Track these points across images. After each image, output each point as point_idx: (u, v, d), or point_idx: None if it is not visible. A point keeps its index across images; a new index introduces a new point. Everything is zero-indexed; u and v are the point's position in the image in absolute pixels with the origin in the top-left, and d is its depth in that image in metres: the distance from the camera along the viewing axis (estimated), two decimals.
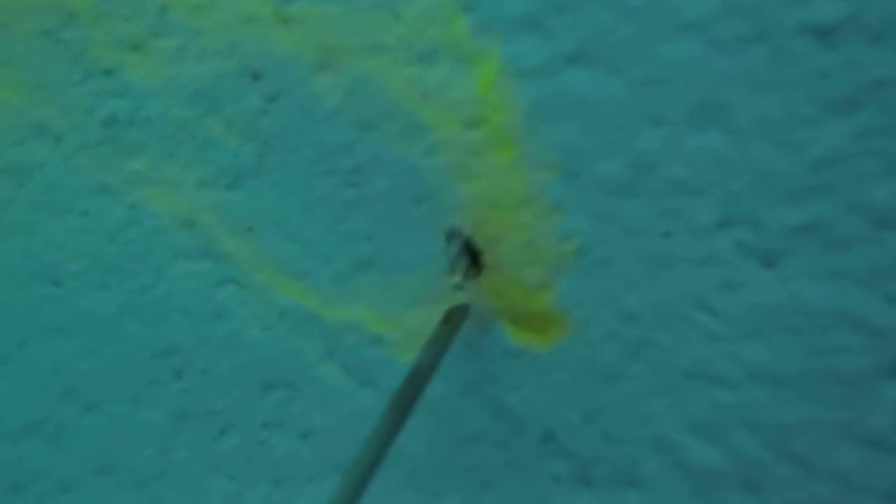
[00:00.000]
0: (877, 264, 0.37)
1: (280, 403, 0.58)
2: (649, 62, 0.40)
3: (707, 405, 0.43)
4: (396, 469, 0.54)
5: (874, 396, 0.38)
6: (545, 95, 0.43)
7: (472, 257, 0.48)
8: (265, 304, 0.57)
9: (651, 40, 0.40)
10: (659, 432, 0.45)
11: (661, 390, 0.44)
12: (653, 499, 0.46)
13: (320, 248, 0.54)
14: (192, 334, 0.61)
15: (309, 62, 0.50)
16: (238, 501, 0.62)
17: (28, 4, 0.61)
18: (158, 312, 0.62)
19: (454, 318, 0.47)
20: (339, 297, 0.54)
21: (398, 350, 0.52)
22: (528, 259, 0.46)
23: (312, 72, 0.51)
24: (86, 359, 0.66)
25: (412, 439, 0.52)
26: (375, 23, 0.48)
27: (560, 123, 0.43)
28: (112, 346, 0.65)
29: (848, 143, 0.36)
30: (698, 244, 0.41)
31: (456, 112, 0.46)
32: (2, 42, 0.63)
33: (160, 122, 0.58)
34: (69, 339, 0.67)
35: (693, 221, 0.41)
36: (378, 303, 0.52)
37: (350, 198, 0.51)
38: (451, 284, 0.49)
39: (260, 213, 0.55)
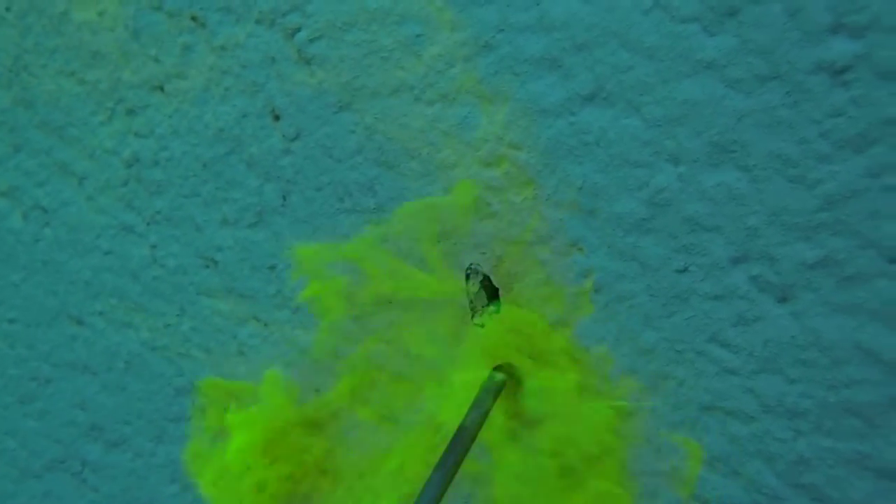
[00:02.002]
0: (890, 299, 0.38)
1: (302, 439, 0.60)
2: (666, 101, 0.42)
3: (723, 438, 0.44)
4: None
5: (888, 429, 0.39)
6: (563, 134, 0.46)
7: (492, 294, 0.50)
8: (287, 341, 0.59)
9: (668, 79, 0.42)
10: (676, 465, 0.46)
11: (679, 424, 0.46)
12: None
13: (341, 287, 0.56)
14: (214, 372, 0.63)
15: (330, 102, 0.53)
16: None
17: (54, 44, 0.64)
18: (182, 350, 0.64)
19: (498, 378, 0.49)
20: (360, 334, 0.56)
21: (419, 386, 0.54)
22: (546, 296, 0.48)
23: (334, 111, 0.53)
24: (111, 396, 0.69)
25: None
26: (396, 62, 0.50)
27: (578, 161, 0.45)
28: (137, 383, 0.67)
29: (861, 180, 0.38)
30: (714, 280, 0.43)
31: (476, 150, 0.49)
32: (27, 82, 0.66)
33: (183, 161, 0.61)
34: (94, 376, 0.69)
35: (709, 257, 0.43)
36: (399, 339, 0.54)
37: (372, 236, 0.54)
38: (472, 322, 0.51)
39: (282, 252, 0.58)
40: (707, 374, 0.44)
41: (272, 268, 0.59)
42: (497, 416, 0.51)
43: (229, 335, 0.62)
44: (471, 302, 0.51)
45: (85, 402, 0.70)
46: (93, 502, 0.72)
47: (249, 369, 0.62)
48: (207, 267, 0.62)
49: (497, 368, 0.50)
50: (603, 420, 0.48)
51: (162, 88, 0.60)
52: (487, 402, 0.48)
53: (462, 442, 0.45)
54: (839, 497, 0.42)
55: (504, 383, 0.49)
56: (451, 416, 0.50)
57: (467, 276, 0.50)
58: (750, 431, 0.44)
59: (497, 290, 0.50)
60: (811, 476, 0.42)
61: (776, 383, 0.42)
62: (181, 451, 0.67)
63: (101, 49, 0.62)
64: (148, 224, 0.64)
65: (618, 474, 0.48)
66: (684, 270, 0.44)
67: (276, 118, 0.56)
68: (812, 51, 0.38)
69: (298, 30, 0.53)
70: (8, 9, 0.64)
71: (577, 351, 0.48)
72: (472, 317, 0.51)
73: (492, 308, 0.50)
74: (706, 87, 0.41)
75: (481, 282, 0.50)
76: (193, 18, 0.58)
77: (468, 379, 0.51)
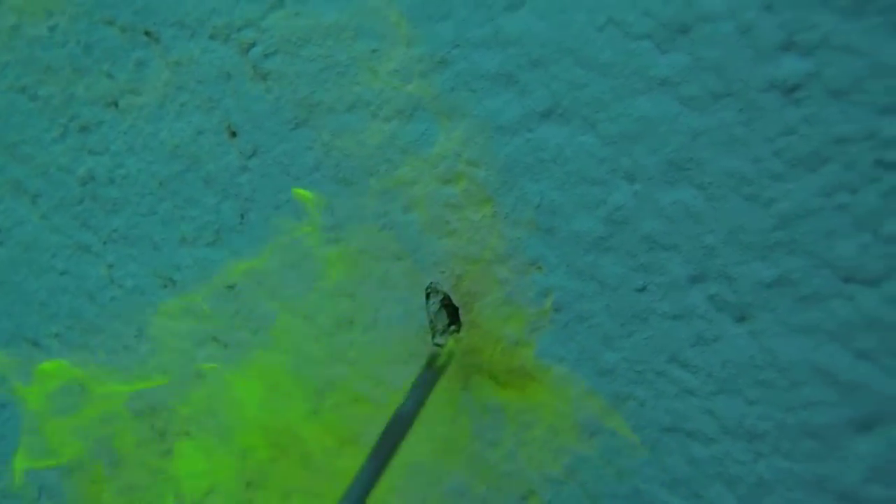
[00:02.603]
0: (846, 319, 0.39)
1: (264, 463, 0.60)
2: (621, 118, 0.43)
3: (684, 460, 0.45)
4: None
5: (846, 451, 0.40)
6: (520, 151, 0.46)
7: (452, 314, 0.50)
8: (247, 363, 0.59)
9: (623, 96, 0.42)
10: (638, 487, 0.46)
11: (639, 445, 0.46)
12: None
13: (302, 306, 0.56)
14: (174, 395, 0.63)
15: (287, 118, 0.53)
16: None
17: (4, 60, 0.63)
18: (141, 373, 0.64)
19: (439, 362, 0.49)
20: (322, 355, 0.56)
21: (380, 406, 0.54)
22: (506, 315, 0.48)
23: (291, 127, 0.53)
24: (67, 418, 0.68)
25: (394, 497, 0.54)
26: (352, 78, 0.50)
27: (536, 179, 0.46)
28: (93, 405, 0.67)
29: (815, 199, 0.38)
30: (672, 299, 0.43)
31: (433, 167, 0.49)
32: None
33: (140, 179, 0.60)
34: (50, 399, 0.69)
35: (667, 276, 0.43)
36: (360, 360, 0.54)
37: (331, 255, 0.54)
38: (432, 342, 0.51)
39: (241, 271, 0.58)
40: (667, 395, 0.44)
41: (231, 287, 0.58)
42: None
43: (188, 357, 0.62)
44: (431, 322, 0.51)
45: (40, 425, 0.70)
46: None
47: (209, 392, 0.61)
48: (165, 287, 0.62)
49: (436, 354, 0.50)
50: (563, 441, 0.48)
51: (116, 104, 0.60)
52: (425, 390, 0.48)
53: (397, 430, 0.45)
54: None
55: (443, 369, 0.49)
56: None
57: (427, 296, 0.51)
58: (710, 454, 0.44)
59: (457, 309, 0.50)
60: (771, 499, 0.43)
61: (735, 405, 0.43)
62: (141, 477, 0.66)
63: (52, 64, 0.62)
64: (104, 243, 0.64)
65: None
66: (643, 289, 0.44)
67: (233, 135, 0.56)
68: (764, 68, 0.39)
69: (253, 45, 0.53)
70: None
71: (538, 371, 0.48)
72: (433, 337, 0.51)
73: (452, 328, 0.50)
74: (661, 104, 0.41)
75: (441, 301, 0.50)
76: (147, 33, 0.57)
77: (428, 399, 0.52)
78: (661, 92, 0.41)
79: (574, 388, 0.47)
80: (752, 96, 0.39)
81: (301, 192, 0.54)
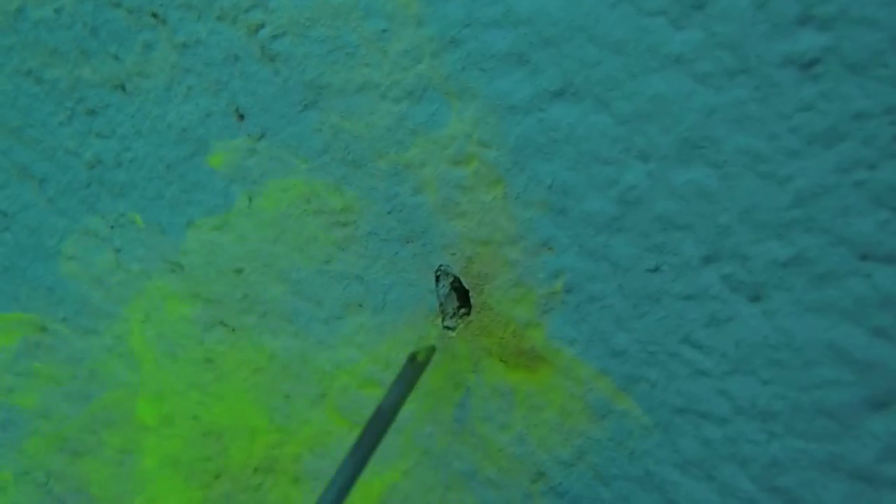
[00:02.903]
0: (861, 297, 0.38)
1: (272, 447, 0.60)
2: (635, 96, 0.42)
3: (696, 441, 0.45)
4: None
5: (860, 430, 0.40)
6: (532, 131, 0.45)
7: (462, 296, 0.50)
8: (255, 347, 0.59)
9: (636, 74, 0.42)
10: (650, 469, 0.46)
11: (652, 427, 0.46)
12: None
13: (310, 290, 0.56)
14: (181, 379, 0.63)
15: (295, 100, 0.53)
16: None
17: (9, 42, 0.63)
18: (148, 357, 0.64)
19: (419, 358, 0.49)
20: (331, 339, 0.56)
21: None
22: (517, 297, 0.48)
23: (299, 110, 0.53)
24: (75, 405, 0.68)
25: (403, 480, 0.54)
26: (361, 59, 0.50)
27: (547, 159, 0.45)
28: (102, 391, 0.67)
29: (831, 176, 0.38)
30: (685, 279, 0.43)
31: (444, 149, 0.48)
32: None
33: (147, 163, 0.60)
34: (59, 384, 0.69)
35: (680, 256, 0.43)
36: (369, 344, 0.54)
37: (340, 238, 0.53)
38: (442, 325, 0.51)
39: (249, 255, 0.58)
40: (679, 376, 0.44)
41: (239, 271, 0.58)
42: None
43: (196, 341, 0.62)
44: (441, 304, 0.50)
45: (49, 410, 0.70)
46: None
47: (217, 375, 0.61)
48: (173, 271, 0.61)
49: (416, 351, 0.50)
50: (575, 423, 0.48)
51: (123, 87, 0.60)
52: (406, 386, 0.48)
53: (378, 425, 0.45)
54: (813, 500, 0.42)
55: (424, 365, 0.49)
56: None
57: (437, 278, 0.50)
58: (723, 434, 0.44)
59: (467, 291, 0.50)
60: (785, 479, 0.42)
61: (749, 385, 0.42)
62: (149, 461, 0.66)
63: (58, 47, 0.62)
64: (112, 227, 0.63)
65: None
66: (656, 270, 0.44)
67: (241, 117, 0.56)
68: (780, 44, 0.38)
69: (262, 26, 0.53)
70: None
71: (549, 353, 0.48)
72: (443, 319, 0.50)
73: (462, 311, 0.50)
74: (675, 82, 0.41)
75: (451, 283, 0.50)
76: (154, 15, 0.57)
77: (438, 383, 0.52)
78: (676, 69, 0.41)
79: (585, 370, 0.47)
80: (768, 72, 0.39)
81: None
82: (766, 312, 0.41)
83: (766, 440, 0.42)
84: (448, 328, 0.50)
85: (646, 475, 0.46)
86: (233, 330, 0.60)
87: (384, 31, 0.49)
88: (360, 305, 0.54)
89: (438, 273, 0.50)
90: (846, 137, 0.37)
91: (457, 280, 0.50)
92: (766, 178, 0.40)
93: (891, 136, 0.36)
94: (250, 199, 0.56)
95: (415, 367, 0.48)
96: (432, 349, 0.50)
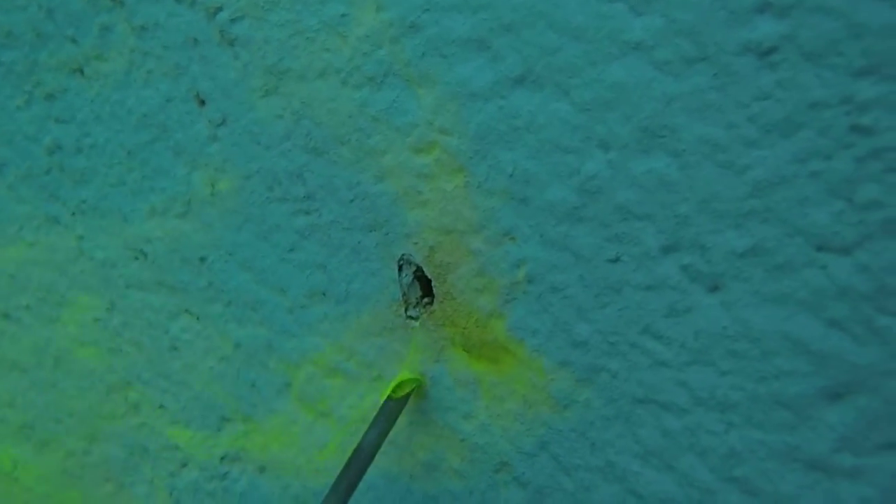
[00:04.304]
0: (818, 288, 0.39)
1: (238, 436, 0.61)
2: (595, 84, 0.43)
3: (657, 432, 0.45)
4: (355, 499, 0.56)
5: (816, 421, 0.40)
6: (493, 119, 0.46)
7: (425, 285, 0.50)
8: (220, 335, 0.59)
9: (596, 61, 0.42)
10: (611, 459, 0.47)
11: (613, 417, 0.47)
12: None
13: (275, 278, 0.56)
14: (148, 368, 0.63)
15: (256, 86, 0.53)
16: None
17: None
18: (113, 346, 0.64)
19: (402, 391, 0.50)
20: (295, 328, 0.56)
21: (354, 380, 0.55)
22: (480, 287, 0.48)
23: (260, 95, 0.53)
24: (42, 393, 0.69)
25: (370, 470, 0.55)
26: (322, 44, 0.50)
27: (509, 147, 0.46)
28: (68, 380, 0.67)
29: (788, 166, 0.38)
30: (645, 269, 0.43)
31: (406, 136, 0.49)
32: None
33: (107, 148, 0.60)
34: (24, 373, 0.69)
35: (640, 246, 0.43)
36: (333, 333, 0.55)
37: (303, 226, 0.54)
38: (405, 314, 0.51)
39: (213, 243, 0.58)
40: (640, 367, 0.45)
41: (203, 259, 0.59)
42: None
43: (161, 330, 0.62)
44: (404, 294, 0.51)
45: (15, 399, 0.70)
46: (26, 503, 0.72)
47: (183, 364, 0.62)
48: (137, 259, 0.62)
49: (395, 389, 0.50)
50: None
51: (81, 71, 0.60)
52: (386, 423, 0.48)
53: (358, 464, 0.46)
54: (770, 490, 0.43)
55: (405, 401, 0.50)
56: None
57: (400, 267, 0.51)
58: (683, 425, 0.44)
59: (430, 281, 0.50)
60: (743, 469, 0.43)
61: (708, 375, 0.43)
62: (115, 449, 0.67)
63: (13, 29, 0.61)
64: (73, 214, 0.63)
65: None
66: (616, 260, 0.44)
67: (202, 103, 0.55)
68: (738, 31, 0.38)
69: (220, 9, 0.53)
70: None
71: (511, 343, 0.48)
72: (406, 309, 0.51)
73: (426, 300, 0.50)
74: (634, 69, 0.41)
75: (414, 273, 0.50)
76: None
77: (402, 373, 0.52)
78: (635, 56, 0.41)
79: (547, 361, 0.48)
80: (727, 60, 0.39)
81: None
82: (724, 303, 0.42)
83: (725, 431, 0.43)
84: (411, 318, 0.51)
85: (607, 465, 0.47)
86: (198, 318, 0.60)
87: (343, 15, 0.49)
88: (324, 294, 0.54)
89: (401, 262, 0.51)
90: (803, 127, 0.38)
91: (419, 269, 0.50)
92: (724, 168, 0.40)
93: (846, 126, 0.37)
94: (213, 186, 0.57)
95: (395, 403, 0.49)
96: (414, 382, 0.50)
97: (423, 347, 0.51)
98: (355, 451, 0.46)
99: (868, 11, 0.35)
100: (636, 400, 0.45)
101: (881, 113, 0.36)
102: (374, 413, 0.49)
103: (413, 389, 0.50)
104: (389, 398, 0.49)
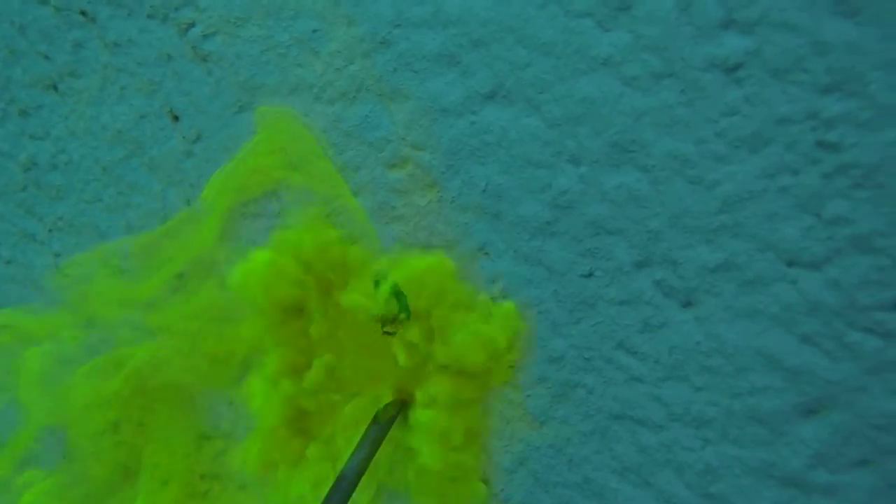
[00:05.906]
0: (789, 303, 0.39)
1: (219, 454, 0.61)
2: (565, 99, 0.43)
3: (633, 448, 0.46)
4: None
5: (791, 437, 0.41)
6: (465, 134, 0.46)
7: (401, 301, 0.51)
8: (199, 352, 0.60)
9: (565, 76, 0.43)
10: (589, 476, 0.48)
11: (590, 433, 0.47)
12: None
13: (251, 294, 0.56)
14: (126, 384, 0.63)
15: (230, 102, 0.53)
16: None
17: None
18: (92, 363, 0.64)
19: (386, 415, 0.50)
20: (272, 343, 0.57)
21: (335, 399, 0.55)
22: (455, 303, 0.49)
23: (234, 111, 0.53)
24: (18, 412, 0.69)
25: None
26: (294, 60, 0.50)
27: (481, 163, 0.46)
28: (48, 399, 0.67)
29: (757, 181, 0.39)
30: (619, 284, 0.44)
31: (379, 151, 0.49)
32: None
33: (83, 165, 0.60)
34: (3, 392, 0.69)
35: (613, 261, 0.44)
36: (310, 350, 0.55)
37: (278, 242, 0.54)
38: (381, 330, 0.51)
39: (190, 259, 0.58)
40: (616, 382, 0.45)
41: (180, 276, 0.59)
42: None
43: (140, 347, 0.62)
44: (380, 310, 0.51)
45: None
46: None
47: (163, 381, 0.62)
48: (115, 276, 0.62)
49: (380, 412, 0.50)
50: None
51: (55, 87, 0.60)
52: (371, 446, 0.48)
53: (340, 492, 0.46)
54: None
55: (389, 425, 0.50)
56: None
57: (376, 284, 0.51)
58: (659, 441, 0.45)
59: (406, 297, 0.50)
60: (719, 486, 0.44)
61: (683, 391, 0.43)
62: (96, 468, 0.67)
63: None
64: (50, 231, 0.64)
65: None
66: (590, 275, 0.44)
67: (176, 119, 0.56)
68: (705, 47, 0.39)
69: (192, 25, 0.53)
70: None
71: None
72: (383, 325, 0.51)
73: (402, 316, 0.51)
74: (603, 84, 0.42)
75: (390, 289, 0.51)
76: (83, 13, 0.57)
77: (378, 389, 0.52)
78: (604, 72, 0.42)
79: (524, 377, 0.48)
80: (694, 76, 0.39)
81: None
82: (697, 318, 0.42)
83: (701, 447, 0.44)
84: (388, 333, 0.51)
85: (585, 481, 0.48)
86: (177, 335, 0.60)
87: (315, 30, 0.49)
88: (300, 311, 0.54)
89: (378, 278, 0.51)
90: (770, 143, 0.38)
91: (396, 285, 0.50)
92: (694, 183, 0.40)
93: (813, 142, 0.37)
94: (188, 203, 0.57)
95: (380, 427, 0.49)
96: (397, 404, 0.51)
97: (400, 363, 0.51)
98: (337, 479, 0.46)
99: (832, 29, 0.36)
100: (612, 416, 0.46)
101: (847, 129, 0.36)
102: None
103: (394, 418, 0.50)
104: (375, 421, 0.49)
